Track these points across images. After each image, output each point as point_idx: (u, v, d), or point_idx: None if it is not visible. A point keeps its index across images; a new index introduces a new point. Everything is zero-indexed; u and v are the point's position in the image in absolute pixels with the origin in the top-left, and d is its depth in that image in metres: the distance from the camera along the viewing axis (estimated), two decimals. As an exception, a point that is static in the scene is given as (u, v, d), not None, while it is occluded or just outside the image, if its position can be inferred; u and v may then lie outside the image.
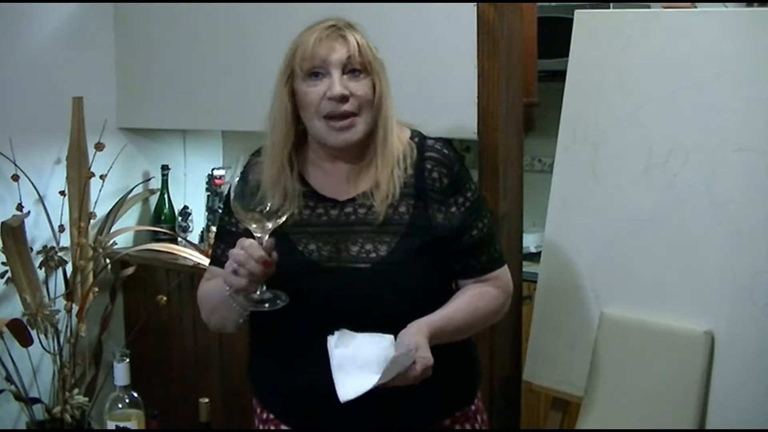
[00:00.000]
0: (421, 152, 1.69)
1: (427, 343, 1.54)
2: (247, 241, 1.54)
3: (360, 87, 1.61)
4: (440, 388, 1.58)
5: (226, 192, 1.80)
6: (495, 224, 1.78)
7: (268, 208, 1.55)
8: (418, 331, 1.56)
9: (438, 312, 1.64)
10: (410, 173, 1.67)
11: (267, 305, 1.57)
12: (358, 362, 1.52)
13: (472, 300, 1.70)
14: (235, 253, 1.53)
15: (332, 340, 1.56)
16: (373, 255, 1.64)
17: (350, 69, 1.60)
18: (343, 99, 1.59)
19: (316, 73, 1.61)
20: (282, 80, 1.65)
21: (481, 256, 1.72)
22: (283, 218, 1.56)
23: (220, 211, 3.22)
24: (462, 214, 1.69)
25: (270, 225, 1.55)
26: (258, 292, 1.57)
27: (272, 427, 1.78)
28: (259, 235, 1.55)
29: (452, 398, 1.75)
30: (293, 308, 1.61)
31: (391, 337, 1.56)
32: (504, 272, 1.77)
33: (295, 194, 1.59)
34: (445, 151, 1.71)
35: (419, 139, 1.72)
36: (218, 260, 1.75)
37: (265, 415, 1.79)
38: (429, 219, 1.67)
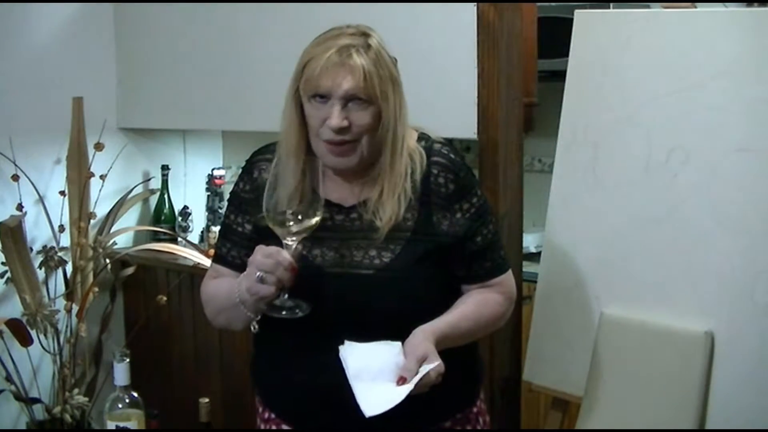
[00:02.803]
0: (428, 157, 1.67)
1: (435, 350, 1.54)
2: (273, 249, 1.52)
3: (362, 117, 1.57)
4: (439, 389, 1.58)
5: (231, 190, 1.79)
6: (496, 226, 1.78)
7: (300, 217, 1.53)
8: (425, 339, 1.56)
9: (443, 318, 1.64)
10: (417, 179, 1.66)
11: (285, 312, 1.56)
12: (373, 372, 1.52)
13: (476, 307, 1.70)
14: (261, 261, 1.51)
15: (344, 351, 1.56)
16: (377, 261, 1.64)
17: (355, 100, 1.56)
18: (342, 131, 1.57)
19: (320, 96, 1.58)
20: (291, 91, 1.63)
21: (485, 262, 1.72)
22: (314, 225, 1.55)
23: (221, 210, 3.25)
24: (467, 220, 1.68)
25: (302, 234, 1.54)
26: (279, 299, 1.55)
27: (273, 427, 1.78)
28: (289, 243, 1.54)
29: (452, 400, 1.74)
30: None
31: (399, 344, 1.56)
32: (508, 278, 1.76)
33: (319, 199, 1.56)
34: (452, 155, 1.70)
35: (426, 142, 1.70)
36: (223, 258, 1.75)
37: (266, 415, 1.79)
38: (434, 226, 1.66)
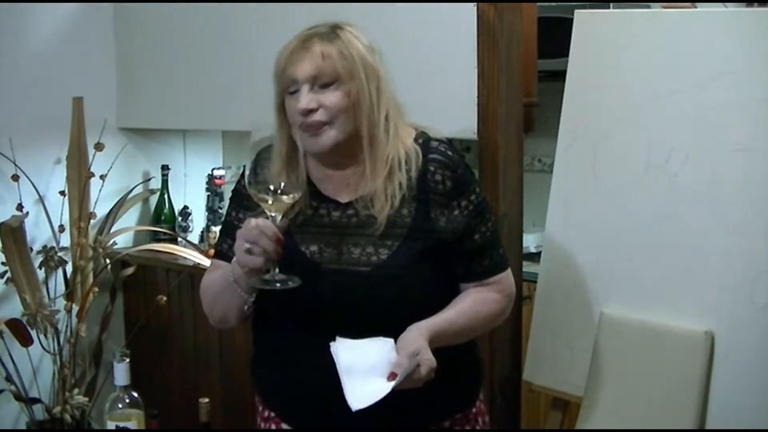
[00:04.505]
0: (425, 154, 1.68)
1: (428, 346, 1.54)
2: (258, 220, 1.54)
3: (330, 98, 1.60)
4: (438, 389, 1.58)
5: (233, 188, 1.80)
6: (495, 224, 1.78)
7: (281, 187, 1.56)
8: (419, 335, 1.56)
9: (439, 315, 1.64)
10: (413, 175, 1.66)
11: (279, 285, 1.56)
12: (364, 368, 1.52)
13: (473, 304, 1.69)
14: (246, 231, 1.53)
15: (335, 347, 1.56)
16: (374, 258, 1.64)
17: (321, 83, 1.60)
18: (309, 112, 1.60)
19: (292, 87, 1.62)
20: (275, 95, 1.68)
21: (483, 260, 1.71)
22: (297, 196, 1.57)
23: (221, 210, 3.25)
24: (465, 217, 1.68)
25: (282, 202, 1.56)
26: (270, 273, 1.56)
27: (273, 426, 1.78)
28: (273, 214, 1.56)
29: (451, 400, 1.74)
30: (294, 308, 1.62)
31: (391, 340, 1.56)
32: (506, 276, 1.75)
33: (303, 179, 1.58)
34: (449, 153, 1.70)
35: (423, 140, 1.70)
36: (224, 255, 1.75)
37: (266, 413, 1.80)
38: (432, 222, 1.66)
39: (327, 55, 1.59)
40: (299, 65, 1.60)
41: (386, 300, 1.63)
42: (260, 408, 1.82)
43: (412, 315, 1.60)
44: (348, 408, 1.50)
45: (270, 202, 1.56)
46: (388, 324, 1.58)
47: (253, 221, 1.54)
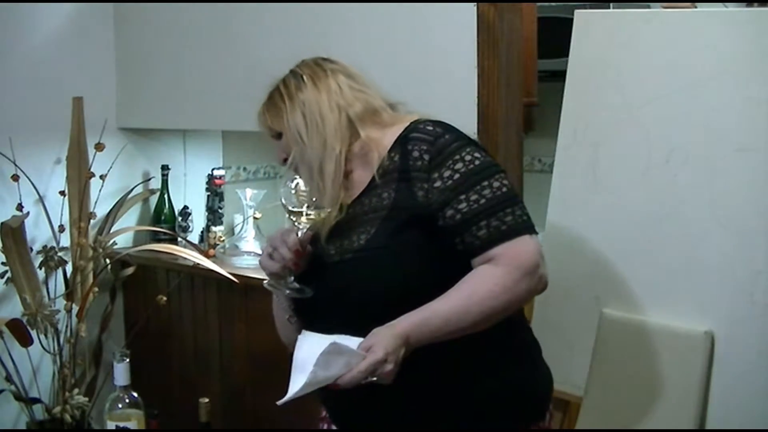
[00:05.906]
0: (406, 136, 1.65)
1: (389, 341, 1.47)
2: (286, 228, 1.64)
3: (286, 145, 1.73)
4: (468, 392, 1.59)
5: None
6: (499, 190, 1.61)
7: (311, 202, 1.65)
8: (386, 331, 1.50)
9: (422, 307, 1.53)
10: (395, 158, 1.64)
11: (288, 291, 1.65)
12: (310, 364, 1.47)
13: (466, 286, 1.55)
14: (271, 237, 1.66)
15: (299, 340, 1.56)
16: (355, 244, 1.63)
17: (275, 135, 1.76)
18: (284, 161, 1.74)
19: None
20: None
21: (478, 231, 1.56)
22: (322, 216, 1.64)
23: (221, 210, 3.25)
24: (447, 188, 1.58)
25: (305, 219, 1.64)
26: (285, 279, 1.64)
27: (325, 425, 1.82)
28: (300, 225, 1.64)
29: (484, 409, 1.65)
30: (307, 305, 1.65)
31: (358, 339, 1.51)
32: (512, 246, 1.55)
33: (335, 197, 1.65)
34: (429, 127, 1.64)
35: (413, 126, 1.67)
36: None
37: (323, 413, 1.83)
38: (412, 199, 1.60)
39: (264, 115, 1.78)
40: (262, 128, 1.81)
41: (368, 284, 1.59)
42: (322, 405, 1.84)
43: (406, 299, 1.54)
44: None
45: (297, 215, 1.64)
46: (381, 311, 1.53)
47: (280, 229, 1.65)
